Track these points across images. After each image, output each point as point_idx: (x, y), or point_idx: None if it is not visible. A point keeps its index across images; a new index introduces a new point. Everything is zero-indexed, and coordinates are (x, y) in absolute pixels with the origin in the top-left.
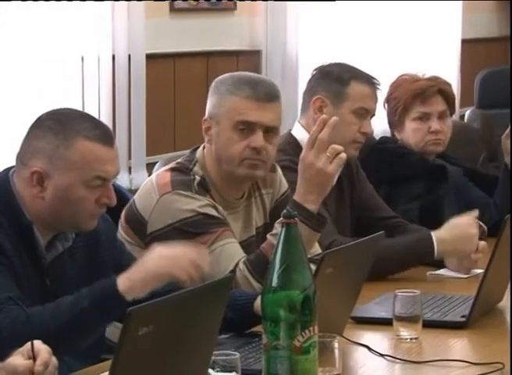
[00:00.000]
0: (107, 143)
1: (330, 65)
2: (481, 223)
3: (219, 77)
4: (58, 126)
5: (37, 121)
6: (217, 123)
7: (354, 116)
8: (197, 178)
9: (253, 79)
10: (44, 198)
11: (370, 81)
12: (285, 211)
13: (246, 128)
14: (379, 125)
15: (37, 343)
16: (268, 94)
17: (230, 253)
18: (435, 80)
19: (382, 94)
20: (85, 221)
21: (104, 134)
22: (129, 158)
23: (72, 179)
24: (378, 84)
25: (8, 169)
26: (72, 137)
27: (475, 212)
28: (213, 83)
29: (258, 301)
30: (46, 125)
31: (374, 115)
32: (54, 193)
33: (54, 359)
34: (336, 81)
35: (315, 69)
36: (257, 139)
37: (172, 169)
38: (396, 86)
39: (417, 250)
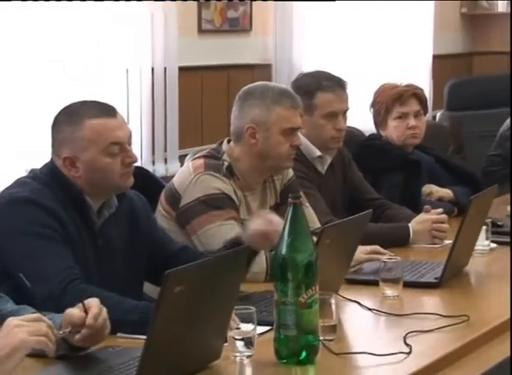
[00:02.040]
0: (109, 115)
1: (300, 78)
2: (450, 205)
3: (250, 88)
4: (67, 117)
5: (53, 120)
6: (266, 130)
7: (326, 120)
8: (226, 164)
9: (286, 90)
10: (81, 176)
11: (334, 87)
12: (292, 193)
13: (291, 133)
14: (367, 124)
15: (90, 300)
16: (298, 103)
17: (232, 234)
18: (410, 86)
19: (366, 96)
20: (120, 181)
21: (104, 109)
22: (165, 151)
23: (93, 153)
24: (344, 84)
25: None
26: (80, 121)
27: (439, 210)
28: (246, 94)
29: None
30: (59, 120)
31: (347, 110)
32: (86, 169)
33: (104, 313)
34: (305, 95)
35: (292, 83)
36: (298, 139)
37: (205, 156)
38: (379, 93)
39: (396, 236)
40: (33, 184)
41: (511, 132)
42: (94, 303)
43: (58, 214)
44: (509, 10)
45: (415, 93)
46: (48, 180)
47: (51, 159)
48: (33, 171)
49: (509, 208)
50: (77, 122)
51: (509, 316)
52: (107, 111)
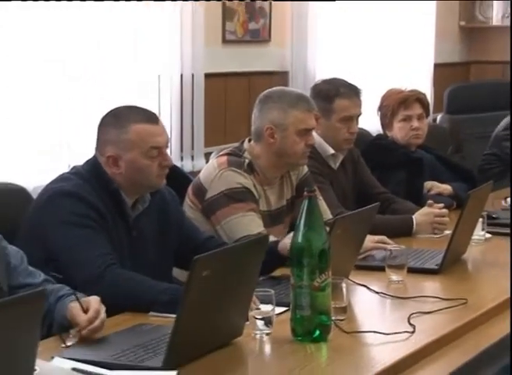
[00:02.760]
0: (152, 122)
1: (319, 84)
2: (450, 199)
3: (269, 92)
4: (114, 120)
5: (100, 121)
6: (283, 130)
7: (341, 123)
8: (247, 161)
9: (301, 95)
10: (121, 173)
11: (350, 94)
12: (307, 187)
13: (306, 133)
14: (374, 126)
15: (92, 301)
16: (313, 106)
17: (252, 225)
18: (413, 91)
19: (373, 100)
20: (155, 181)
21: (149, 116)
22: (192, 148)
23: (135, 154)
24: (359, 92)
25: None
26: (126, 124)
27: (440, 204)
28: (266, 98)
29: (282, 244)
30: (106, 122)
31: (360, 115)
32: (127, 168)
33: (102, 315)
34: (323, 100)
35: (311, 88)
36: (312, 139)
37: (228, 154)
38: (385, 97)
39: (401, 227)
40: (75, 180)
41: (511, 132)
42: (92, 300)
43: (96, 207)
44: (503, 23)
45: (418, 98)
46: (89, 176)
47: (94, 156)
48: (75, 168)
49: (503, 202)
50: (123, 125)
51: (506, 297)
52: (151, 118)
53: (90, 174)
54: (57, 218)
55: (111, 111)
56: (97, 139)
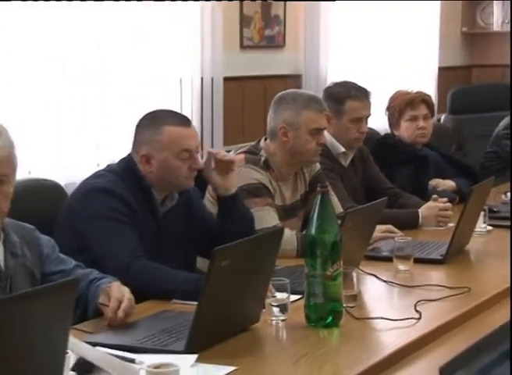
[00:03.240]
0: (185, 125)
1: (332, 86)
2: (453, 194)
3: (283, 94)
4: (150, 122)
5: (138, 123)
6: (296, 129)
7: (352, 124)
8: (263, 158)
9: (313, 96)
10: (153, 172)
11: (361, 96)
12: (320, 183)
13: (317, 132)
14: (382, 125)
15: (115, 292)
16: (324, 107)
17: (268, 218)
18: (419, 93)
19: (381, 101)
20: (184, 182)
21: (182, 120)
22: (212, 147)
23: (167, 155)
24: (369, 94)
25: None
26: (160, 126)
27: (444, 199)
28: (280, 99)
29: None
30: (143, 123)
31: (369, 116)
32: (158, 167)
33: (124, 306)
34: (335, 101)
35: (323, 90)
36: (323, 138)
37: (246, 152)
38: (393, 98)
39: (408, 220)
40: (110, 176)
41: (511, 131)
42: (113, 294)
43: (128, 202)
44: (503, 29)
45: (424, 99)
46: (123, 173)
47: (130, 155)
48: (110, 165)
49: (503, 196)
50: (158, 127)
51: (507, 285)
52: (184, 121)
53: (124, 171)
54: (91, 212)
55: (148, 113)
56: (134, 138)
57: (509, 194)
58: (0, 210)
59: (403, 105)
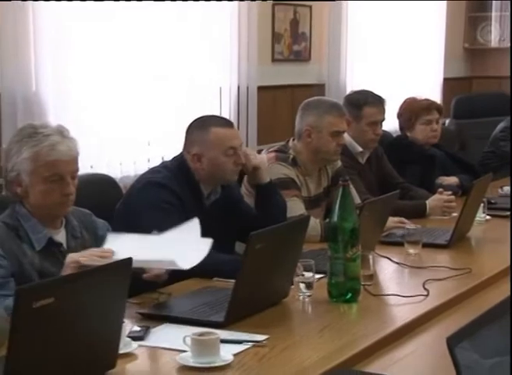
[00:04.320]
0: (229, 126)
1: (352, 94)
2: (456, 188)
3: (309, 100)
4: (199, 124)
5: (188, 126)
6: (319, 132)
7: (369, 127)
8: (291, 156)
9: (335, 103)
10: (203, 169)
11: (377, 103)
12: (341, 178)
13: (337, 134)
14: (393, 127)
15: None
16: (344, 112)
17: (296, 208)
18: (431, 100)
19: (393, 107)
20: (229, 176)
21: (226, 122)
22: (247, 146)
23: (215, 153)
24: (383, 101)
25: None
26: (208, 128)
27: (448, 192)
28: (306, 105)
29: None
30: (193, 126)
31: (384, 120)
32: (208, 164)
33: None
34: (355, 107)
35: (344, 97)
36: (343, 139)
37: (276, 151)
38: (406, 104)
39: (417, 210)
40: (164, 172)
41: (511, 133)
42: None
43: (179, 196)
44: (500, 45)
45: (437, 106)
46: (176, 170)
47: (181, 154)
48: (164, 163)
49: (500, 190)
50: (206, 128)
51: (503, 266)
52: (228, 123)
53: (177, 168)
54: (147, 203)
55: (198, 117)
56: (185, 140)
57: (505, 188)
58: (71, 200)
59: (419, 110)
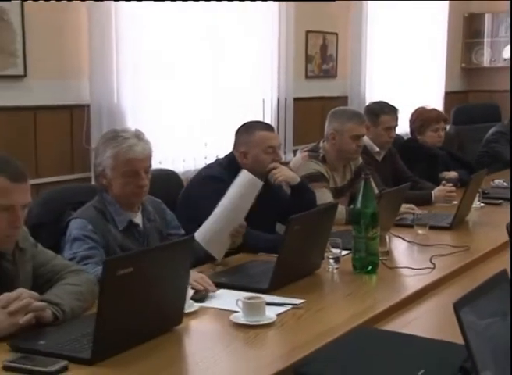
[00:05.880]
0: (269, 130)
1: (371, 104)
2: (456, 181)
3: (335, 109)
4: (246, 128)
5: (237, 130)
6: (341, 135)
7: (384, 131)
8: (321, 155)
9: (356, 112)
10: (248, 164)
11: (391, 112)
12: (364, 172)
13: (357, 138)
14: (405, 131)
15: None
16: (364, 120)
17: (325, 197)
18: (439, 112)
19: (404, 115)
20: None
21: (267, 126)
22: (285, 146)
23: (257, 151)
24: (397, 110)
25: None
26: (253, 131)
27: (450, 184)
28: (332, 113)
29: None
30: (241, 129)
31: (397, 126)
32: (252, 160)
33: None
34: (373, 115)
35: (365, 107)
36: (361, 142)
37: (309, 150)
38: (418, 114)
39: (424, 199)
40: (218, 168)
41: (511, 132)
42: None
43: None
44: (491, 65)
45: (444, 117)
46: (227, 165)
47: (231, 152)
48: (218, 160)
49: (491, 183)
50: (251, 131)
51: (495, 245)
52: (269, 127)
53: (228, 164)
54: (204, 193)
55: (244, 123)
56: (234, 141)
57: (496, 181)
58: (145, 191)
59: (431, 119)
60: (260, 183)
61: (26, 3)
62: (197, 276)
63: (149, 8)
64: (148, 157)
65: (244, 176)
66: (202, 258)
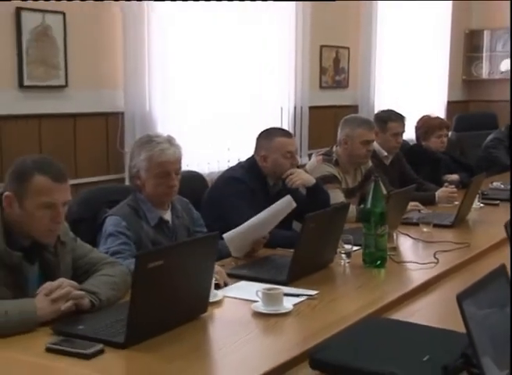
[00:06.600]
0: (288, 136)
1: (380, 112)
2: (458, 183)
3: (347, 117)
4: (265, 135)
5: (258, 135)
6: (352, 140)
7: (392, 137)
8: (334, 158)
9: (366, 119)
10: (268, 167)
11: (398, 119)
12: (373, 174)
13: (366, 143)
14: (411, 137)
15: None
16: (373, 126)
17: (337, 197)
18: (442, 119)
19: (410, 122)
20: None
21: (285, 132)
22: (301, 151)
23: (276, 155)
24: (404, 118)
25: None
26: (272, 137)
27: (452, 186)
28: (344, 120)
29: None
30: (261, 135)
31: (404, 132)
32: (271, 163)
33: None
34: (381, 122)
35: (374, 115)
36: (371, 146)
37: (323, 154)
38: (423, 121)
39: (428, 199)
40: (240, 170)
41: (510, 139)
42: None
43: (252, 188)
44: (489, 77)
45: (446, 125)
46: (248, 168)
47: (253, 156)
48: (240, 163)
49: (490, 185)
50: (271, 137)
51: (493, 242)
52: (286, 133)
53: (249, 167)
54: (228, 194)
55: (265, 129)
56: (255, 145)
57: (494, 183)
58: (175, 191)
59: (435, 126)
60: (293, 205)
61: (68, 19)
62: (216, 269)
63: (176, 24)
64: (179, 160)
65: (287, 199)
66: (224, 256)
